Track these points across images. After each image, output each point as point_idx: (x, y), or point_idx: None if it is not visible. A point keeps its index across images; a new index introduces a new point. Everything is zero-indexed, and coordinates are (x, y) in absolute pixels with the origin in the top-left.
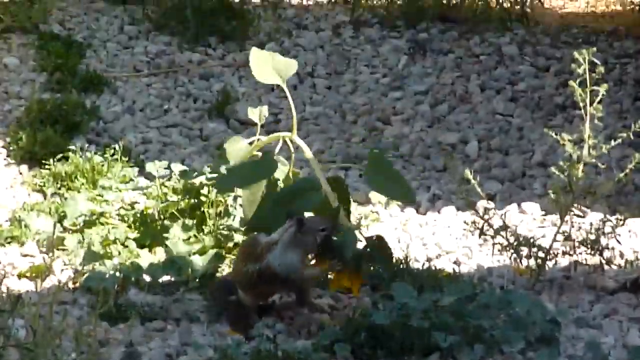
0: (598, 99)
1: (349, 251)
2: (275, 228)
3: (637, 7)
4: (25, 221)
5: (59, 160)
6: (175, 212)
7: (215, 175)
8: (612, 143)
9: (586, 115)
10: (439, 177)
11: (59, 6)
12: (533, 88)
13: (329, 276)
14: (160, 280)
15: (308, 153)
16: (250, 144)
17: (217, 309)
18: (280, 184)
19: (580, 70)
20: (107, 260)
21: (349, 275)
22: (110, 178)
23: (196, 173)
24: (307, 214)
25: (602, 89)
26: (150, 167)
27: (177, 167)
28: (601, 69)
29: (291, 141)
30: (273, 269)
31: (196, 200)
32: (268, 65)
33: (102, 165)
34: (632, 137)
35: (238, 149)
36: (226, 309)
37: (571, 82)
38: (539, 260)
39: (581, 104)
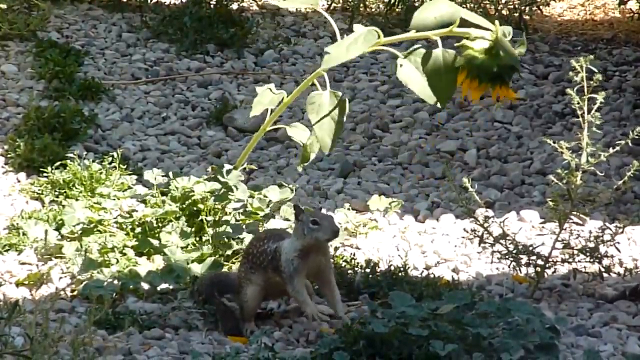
0: (596, 106)
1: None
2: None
3: (635, 15)
4: (23, 229)
5: (57, 168)
6: (174, 220)
7: (213, 183)
8: (611, 151)
9: (584, 123)
10: (437, 185)
11: (56, 14)
12: (532, 96)
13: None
14: (158, 288)
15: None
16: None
17: (213, 316)
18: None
19: (577, 79)
20: (105, 268)
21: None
22: (108, 186)
23: (193, 179)
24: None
25: (600, 97)
26: (148, 175)
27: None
28: (599, 76)
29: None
30: (280, 252)
31: (194, 208)
32: None
33: (100, 173)
34: (630, 144)
35: (267, 99)
36: (222, 316)
37: (569, 90)
38: (538, 268)
39: (579, 112)
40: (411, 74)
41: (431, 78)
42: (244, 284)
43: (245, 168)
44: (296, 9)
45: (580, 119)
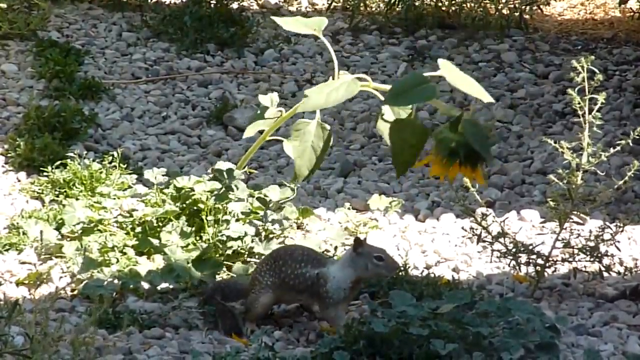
0: (597, 107)
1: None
2: None
3: (636, 14)
4: (24, 228)
5: (57, 167)
6: (174, 220)
7: (214, 182)
8: (611, 150)
9: (585, 123)
10: (438, 185)
11: (57, 13)
12: (532, 95)
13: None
14: (158, 287)
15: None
16: None
17: (213, 316)
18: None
19: (579, 79)
20: (106, 267)
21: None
22: (108, 185)
23: (193, 178)
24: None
25: (601, 98)
26: (148, 174)
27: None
28: (599, 76)
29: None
30: (325, 280)
31: (195, 208)
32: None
33: (101, 173)
34: (630, 144)
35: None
36: (221, 315)
37: (570, 91)
38: (538, 268)
39: (580, 112)
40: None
41: (396, 147)
42: (261, 291)
43: (245, 171)
44: (296, 9)
45: (582, 119)
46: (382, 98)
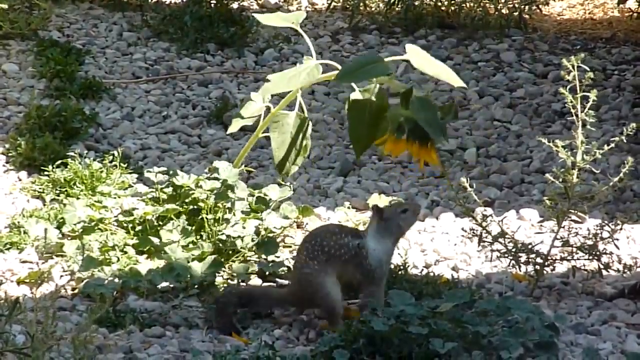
0: (589, 104)
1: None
2: None
3: (634, 14)
4: (24, 227)
5: (58, 166)
6: (174, 218)
7: (212, 180)
8: (606, 148)
9: (578, 121)
10: (437, 184)
11: (57, 13)
12: (531, 95)
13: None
14: (159, 286)
15: None
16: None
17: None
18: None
19: (569, 77)
20: (106, 266)
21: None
22: (109, 184)
23: (193, 177)
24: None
25: (592, 95)
26: (149, 173)
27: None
28: (590, 74)
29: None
30: (366, 251)
31: (195, 207)
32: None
33: (101, 172)
34: (627, 142)
35: (253, 110)
36: (218, 313)
37: (561, 89)
38: (537, 267)
39: (572, 111)
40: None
41: (353, 126)
42: (319, 279)
43: (244, 170)
44: (297, 8)
45: (575, 117)
46: (354, 86)
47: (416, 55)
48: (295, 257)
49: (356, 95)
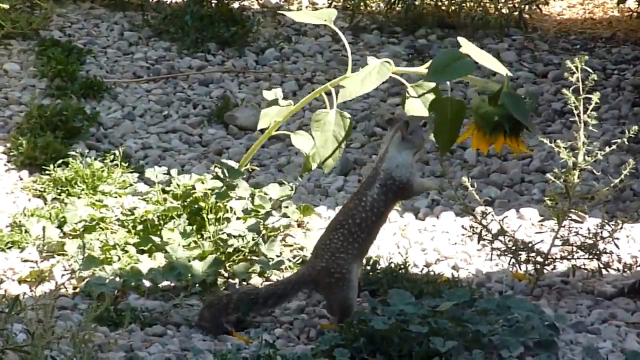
0: (592, 106)
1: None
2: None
3: (634, 13)
4: (26, 226)
5: (59, 165)
6: (175, 218)
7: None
8: (607, 149)
9: (580, 122)
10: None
11: (59, 12)
12: (531, 94)
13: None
14: (160, 285)
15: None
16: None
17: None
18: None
19: (573, 79)
20: (107, 265)
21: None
22: (110, 184)
23: (194, 177)
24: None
25: (595, 98)
26: (149, 172)
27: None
28: (594, 76)
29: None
30: (391, 174)
31: (196, 206)
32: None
33: (102, 171)
34: (627, 142)
35: (275, 111)
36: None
37: (565, 91)
38: (538, 266)
39: (575, 112)
40: (417, 106)
41: (437, 125)
42: (349, 267)
43: (247, 168)
44: (297, 8)
45: (577, 118)
46: (404, 82)
47: (471, 48)
48: (328, 235)
49: (411, 91)
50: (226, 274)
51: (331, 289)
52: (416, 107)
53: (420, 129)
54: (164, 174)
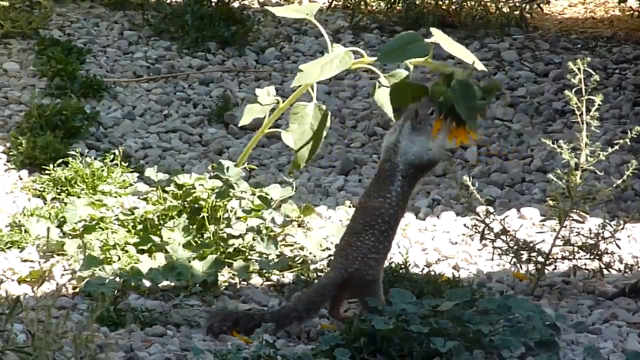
0: (594, 108)
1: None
2: None
3: (636, 13)
4: (25, 226)
5: (59, 165)
6: (175, 217)
7: (215, 180)
8: (610, 150)
9: (583, 123)
10: (438, 183)
11: (59, 12)
12: (532, 93)
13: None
14: (160, 285)
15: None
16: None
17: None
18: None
19: (575, 80)
20: (107, 265)
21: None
22: (110, 183)
23: (194, 176)
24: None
25: (598, 99)
26: (149, 172)
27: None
28: (596, 77)
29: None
30: (411, 163)
31: (196, 205)
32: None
33: (102, 171)
34: (629, 142)
35: (258, 108)
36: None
37: (567, 92)
38: (539, 265)
39: (577, 113)
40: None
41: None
42: (379, 268)
43: (245, 167)
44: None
45: (579, 119)
46: (377, 71)
47: (442, 38)
48: (355, 238)
49: (382, 80)
50: (226, 274)
51: (364, 291)
52: (386, 96)
53: (429, 117)
54: (164, 173)
